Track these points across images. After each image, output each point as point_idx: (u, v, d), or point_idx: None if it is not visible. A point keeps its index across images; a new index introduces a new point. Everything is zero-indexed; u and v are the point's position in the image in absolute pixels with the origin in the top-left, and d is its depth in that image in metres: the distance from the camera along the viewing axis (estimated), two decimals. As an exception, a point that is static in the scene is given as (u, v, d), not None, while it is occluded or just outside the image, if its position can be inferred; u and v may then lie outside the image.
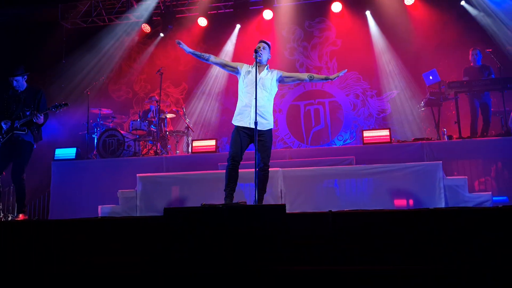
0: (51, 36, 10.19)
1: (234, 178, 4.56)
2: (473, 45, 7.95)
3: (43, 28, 10.08)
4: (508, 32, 8.78)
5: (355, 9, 9.71)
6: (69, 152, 7.61)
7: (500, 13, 8.87)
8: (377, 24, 9.71)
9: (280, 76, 4.75)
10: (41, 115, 5.43)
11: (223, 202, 4.53)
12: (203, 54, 4.77)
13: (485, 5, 8.99)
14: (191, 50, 4.71)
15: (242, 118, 4.60)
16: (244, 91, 4.65)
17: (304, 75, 4.91)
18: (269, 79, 4.68)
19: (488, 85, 6.99)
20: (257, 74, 4.52)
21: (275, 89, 4.76)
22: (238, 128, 4.61)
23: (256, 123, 4.35)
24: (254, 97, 4.41)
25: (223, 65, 4.85)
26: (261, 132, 4.53)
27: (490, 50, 7.53)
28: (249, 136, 4.56)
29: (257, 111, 4.44)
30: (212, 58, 4.76)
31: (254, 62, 4.57)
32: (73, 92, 9.92)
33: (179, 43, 4.67)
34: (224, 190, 4.56)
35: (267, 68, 4.73)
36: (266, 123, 4.61)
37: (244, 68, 4.74)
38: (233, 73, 4.84)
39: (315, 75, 4.93)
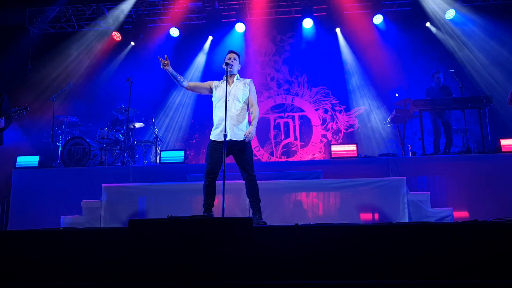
0: (17, 40, 9.91)
1: (211, 193, 4.53)
2: (437, 65, 8.23)
3: (8, 32, 9.78)
4: (469, 54, 9.18)
5: (325, 26, 9.93)
6: (31, 160, 7.35)
7: (462, 36, 9.29)
8: (346, 41, 9.97)
9: (249, 86, 4.73)
10: (1, 119, 5.26)
11: (190, 214, 4.49)
12: (179, 76, 4.64)
13: (448, 28, 9.39)
14: (171, 69, 4.55)
15: (217, 132, 4.59)
16: (217, 105, 4.66)
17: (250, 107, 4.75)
18: (240, 88, 4.67)
19: (450, 104, 7.25)
20: (228, 86, 4.56)
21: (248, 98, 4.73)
22: (213, 142, 4.59)
23: (225, 135, 4.36)
24: (226, 110, 4.44)
25: (198, 88, 4.79)
26: (238, 143, 4.55)
27: (453, 70, 7.83)
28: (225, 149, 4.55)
29: (232, 123, 4.50)
30: (186, 83, 4.68)
31: (225, 75, 4.59)
32: (38, 99, 9.64)
33: (164, 62, 4.49)
34: (203, 206, 4.53)
35: (237, 78, 4.74)
36: (242, 134, 4.60)
37: (214, 83, 4.77)
38: (207, 93, 4.80)
39: (252, 117, 4.67)
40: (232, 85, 4.68)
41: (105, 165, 7.69)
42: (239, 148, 4.56)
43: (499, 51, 9.04)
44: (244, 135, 4.54)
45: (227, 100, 4.51)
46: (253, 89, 4.79)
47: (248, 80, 4.78)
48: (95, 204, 5.96)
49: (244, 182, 4.64)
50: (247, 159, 4.58)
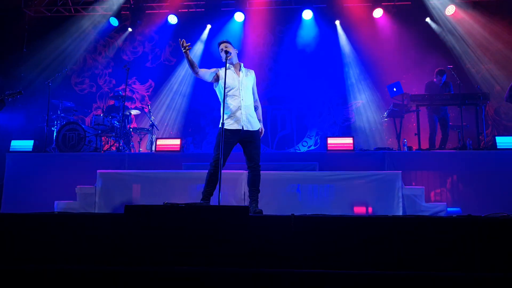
0: (12, 23, 9.78)
1: (215, 182, 4.45)
2: (436, 61, 8.20)
3: (4, 15, 9.64)
4: (468, 51, 9.19)
5: (325, 18, 9.89)
6: (25, 144, 7.29)
7: (461, 32, 9.29)
8: (345, 34, 9.94)
9: (254, 77, 4.76)
10: None
11: (185, 201, 4.47)
12: (196, 64, 4.53)
13: (448, 23, 9.38)
14: (190, 56, 4.46)
15: (234, 121, 4.49)
16: (229, 94, 4.53)
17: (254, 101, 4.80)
18: (250, 79, 4.67)
19: (448, 100, 7.26)
20: (237, 76, 4.56)
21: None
22: (226, 131, 4.45)
23: (223, 124, 4.34)
24: (241, 98, 4.49)
25: (207, 75, 4.63)
26: (252, 132, 4.55)
27: (451, 66, 7.83)
28: (237, 139, 4.52)
29: (247, 113, 4.53)
30: (199, 71, 4.56)
31: (227, 64, 4.49)
32: (34, 82, 9.56)
33: (187, 46, 4.38)
34: (202, 193, 4.49)
35: (243, 66, 4.72)
36: (256, 122, 4.63)
37: (221, 71, 4.62)
38: (213, 80, 4.67)
39: (259, 112, 4.78)
40: (241, 74, 4.63)
41: (100, 151, 7.65)
42: (252, 137, 4.56)
43: (499, 48, 9.05)
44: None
45: (241, 89, 4.52)
46: (255, 81, 4.80)
47: (253, 71, 4.78)
48: (89, 190, 5.94)
49: (247, 171, 4.60)
50: (257, 147, 4.58)
